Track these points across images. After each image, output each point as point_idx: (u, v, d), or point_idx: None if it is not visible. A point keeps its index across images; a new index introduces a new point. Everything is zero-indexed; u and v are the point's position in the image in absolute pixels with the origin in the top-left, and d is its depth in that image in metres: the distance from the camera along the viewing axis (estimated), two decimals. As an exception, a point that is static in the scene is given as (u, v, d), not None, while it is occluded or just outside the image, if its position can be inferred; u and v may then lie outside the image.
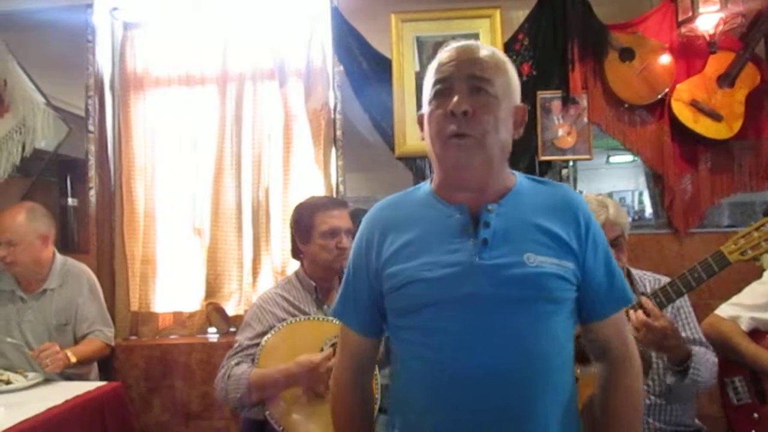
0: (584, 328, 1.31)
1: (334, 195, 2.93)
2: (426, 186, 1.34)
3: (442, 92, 1.22)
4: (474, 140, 1.19)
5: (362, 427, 1.39)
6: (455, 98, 1.19)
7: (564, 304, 1.22)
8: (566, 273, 1.21)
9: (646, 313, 1.76)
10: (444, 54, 1.26)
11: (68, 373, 2.37)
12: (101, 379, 2.60)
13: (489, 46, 1.28)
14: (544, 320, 1.19)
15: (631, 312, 1.78)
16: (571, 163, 2.94)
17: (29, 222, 2.50)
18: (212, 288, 2.99)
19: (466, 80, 1.21)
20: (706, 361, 1.85)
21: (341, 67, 2.99)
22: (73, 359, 2.35)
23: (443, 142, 1.21)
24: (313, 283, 2.18)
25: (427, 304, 1.20)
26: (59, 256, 2.63)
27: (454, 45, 1.27)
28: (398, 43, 2.94)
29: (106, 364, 2.78)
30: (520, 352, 1.16)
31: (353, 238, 2.18)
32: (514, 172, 1.32)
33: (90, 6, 3.03)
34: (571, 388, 1.25)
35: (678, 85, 2.82)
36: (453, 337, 1.17)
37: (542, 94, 2.89)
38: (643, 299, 1.81)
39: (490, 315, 1.17)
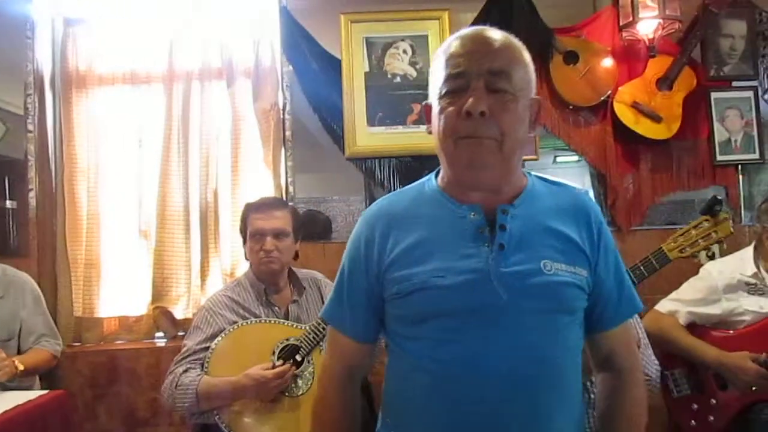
0: (589, 338, 1.23)
1: (284, 196, 2.90)
2: (431, 182, 1.23)
3: (456, 89, 1.10)
4: (491, 141, 1.09)
5: None
6: (471, 97, 1.08)
7: (578, 314, 1.16)
8: (581, 281, 1.14)
9: None
10: (455, 42, 1.14)
11: (10, 385, 2.27)
12: (44, 387, 2.51)
13: (500, 31, 1.15)
14: (561, 332, 1.13)
15: None
16: (518, 163, 3.00)
17: None
18: (159, 291, 2.92)
19: (483, 76, 1.09)
20: (652, 362, 1.91)
21: (290, 67, 2.97)
22: (21, 367, 2.24)
23: (455, 142, 1.10)
24: (263, 285, 2.16)
25: (438, 315, 1.10)
26: None
27: (466, 32, 1.15)
28: (348, 43, 2.93)
29: (50, 371, 2.69)
30: (538, 367, 1.09)
31: (294, 239, 2.18)
32: (526, 171, 1.24)
33: (32, 1, 2.93)
34: (581, 399, 1.20)
35: (620, 88, 2.92)
36: (466, 351, 1.08)
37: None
38: None
39: (507, 327, 1.08)
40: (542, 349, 1.09)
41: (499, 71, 1.09)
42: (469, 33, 1.15)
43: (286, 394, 1.97)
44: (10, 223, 3.05)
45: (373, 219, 1.22)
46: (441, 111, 1.12)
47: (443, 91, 1.12)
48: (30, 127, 2.92)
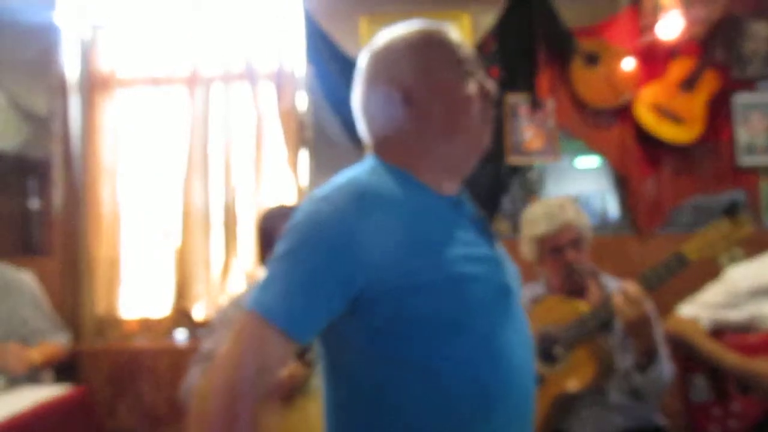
0: None
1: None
2: (391, 169, 1.10)
3: (473, 72, 1.12)
4: None
5: None
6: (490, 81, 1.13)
7: None
8: None
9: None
10: (454, 32, 1.15)
11: (18, 379, 2.28)
12: (57, 382, 2.53)
13: None
14: None
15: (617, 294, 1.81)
16: (538, 166, 2.99)
17: None
18: (180, 291, 2.95)
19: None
20: (663, 367, 1.90)
21: (312, 70, 2.98)
22: (38, 359, 2.29)
23: (484, 127, 1.12)
24: None
25: (477, 306, 1.00)
26: None
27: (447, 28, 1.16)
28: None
29: (71, 369, 2.73)
30: (533, 358, 1.12)
31: None
32: None
33: (57, 4, 2.98)
34: None
35: (641, 90, 2.88)
36: (502, 344, 1.02)
37: (510, 98, 2.93)
38: (628, 282, 1.81)
39: (518, 314, 1.09)
40: (531, 345, 1.12)
41: None
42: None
43: (300, 392, 1.98)
44: (35, 223, 3.11)
45: (364, 201, 1.00)
46: (467, 94, 1.10)
47: (463, 71, 1.11)
48: (55, 128, 2.97)
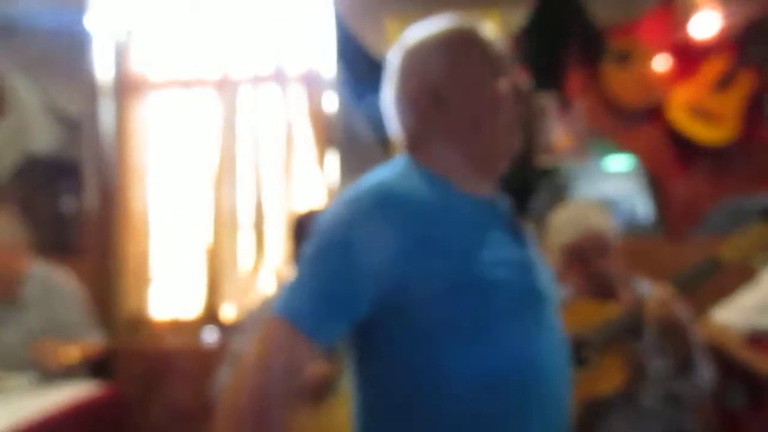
0: None
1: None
2: (419, 171, 1.06)
3: (505, 70, 1.10)
4: None
5: None
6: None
7: None
8: None
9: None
10: (490, 31, 1.13)
11: (56, 377, 2.34)
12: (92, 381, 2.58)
13: None
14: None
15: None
16: (567, 167, 2.95)
17: None
18: (210, 292, 2.99)
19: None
20: (702, 371, 1.86)
21: (342, 72, 2.99)
22: (75, 356, 2.35)
23: (514, 128, 1.09)
24: None
25: (504, 311, 0.98)
26: (39, 267, 2.55)
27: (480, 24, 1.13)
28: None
29: (102, 367, 2.76)
30: (568, 369, 1.08)
31: None
32: None
33: (89, 8, 3.04)
34: None
35: (674, 89, 2.83)
36: (532, 351, 1.00)
37: (539, 98, 2.90)
38: (661, 285, 1.78)
39: (550, 319, 1.05)
40: (565, 351, 1.08)
41: None
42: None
43: (328, 393, 1.99)
44: (68, 223, 3.17)
45: (389, 204, 0.98)
46: (498, 93, 1.07)
47: (497, 68, 1.08)
48: (88, 131, 3.02)
